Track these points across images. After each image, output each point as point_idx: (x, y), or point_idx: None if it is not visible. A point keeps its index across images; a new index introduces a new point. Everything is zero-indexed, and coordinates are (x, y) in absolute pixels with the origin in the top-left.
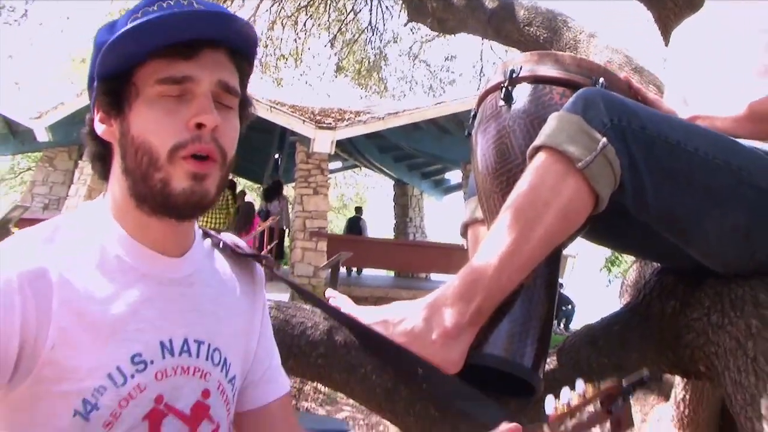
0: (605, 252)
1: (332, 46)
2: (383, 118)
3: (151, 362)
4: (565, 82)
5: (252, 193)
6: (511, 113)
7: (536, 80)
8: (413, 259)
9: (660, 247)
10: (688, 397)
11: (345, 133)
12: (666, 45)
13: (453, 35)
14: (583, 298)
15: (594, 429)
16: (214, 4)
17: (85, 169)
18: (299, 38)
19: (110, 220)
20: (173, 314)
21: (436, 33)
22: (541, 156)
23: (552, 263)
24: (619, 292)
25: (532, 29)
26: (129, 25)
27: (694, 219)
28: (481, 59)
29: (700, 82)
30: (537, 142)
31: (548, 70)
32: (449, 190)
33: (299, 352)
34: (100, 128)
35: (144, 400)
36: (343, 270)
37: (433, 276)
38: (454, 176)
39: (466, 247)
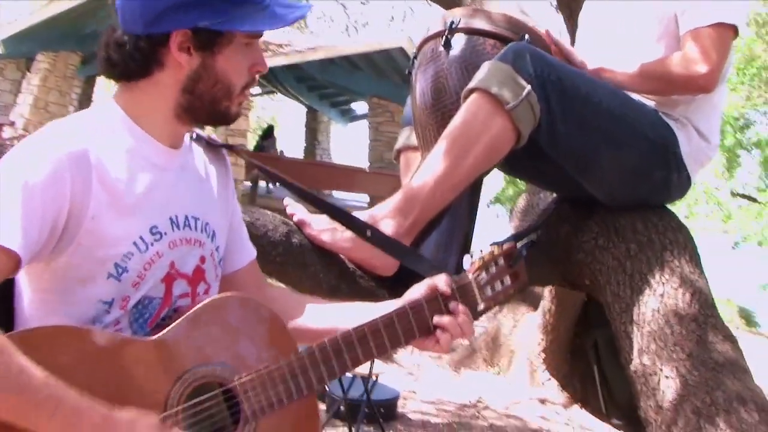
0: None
1: None
2: (303, 51)
3: (165, 234)
4: (497, 35)
5: None
6: (449, 58)
7: (472, 32)
8: (320, 177)
9: (561, 180)
10: (553, 308)
11: (267, 62)
12: (571, 28)
13: None
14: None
15: (499, 280)
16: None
17: (32, 80)
18: None
19: (127, 120)
20: (175, 195)
21: None
22: (474, 97)
23: (475, 188)
24: (509, 218)
25: None
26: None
27: (594, 157)
28: (392, 7)
29: (609, 45)
30: (472, 84)
31: (483, 24)
32: (354, 118)
33: (261, 251)
34: (177, 53)
35: (161, 265)
36: (262, 184)
37: (335, 193)
38: (359, 107)
39: (397, 172)
